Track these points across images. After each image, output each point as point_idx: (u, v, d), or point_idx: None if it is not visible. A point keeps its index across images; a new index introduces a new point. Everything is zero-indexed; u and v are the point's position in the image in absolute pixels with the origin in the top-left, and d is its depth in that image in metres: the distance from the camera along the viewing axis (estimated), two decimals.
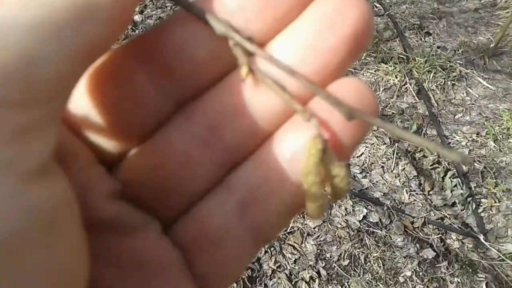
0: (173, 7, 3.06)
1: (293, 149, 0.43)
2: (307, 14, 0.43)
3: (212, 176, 0.46)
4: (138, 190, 0.45)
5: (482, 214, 2.21)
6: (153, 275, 0.43)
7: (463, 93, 2.69)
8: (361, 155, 2.37)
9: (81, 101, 0.43)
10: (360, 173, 2.31)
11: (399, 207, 2.21)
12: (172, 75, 0.44)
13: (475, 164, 2.37)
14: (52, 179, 0.31)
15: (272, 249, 2.01)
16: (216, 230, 0.45)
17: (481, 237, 2.11)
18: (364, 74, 2.71)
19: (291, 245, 2.03)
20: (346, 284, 1.99)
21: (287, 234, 2.07)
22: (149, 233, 0.44)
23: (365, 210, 2.17)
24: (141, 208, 0.45)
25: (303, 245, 2.04)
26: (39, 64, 0.30)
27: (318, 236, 2.07)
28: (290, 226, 2.08)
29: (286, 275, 1.97)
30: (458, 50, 2.90)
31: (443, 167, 2.34)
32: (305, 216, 2.11)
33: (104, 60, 0.43)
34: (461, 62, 2.82)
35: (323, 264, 2.00)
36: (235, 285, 1.91)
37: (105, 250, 0.42)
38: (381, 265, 2.03)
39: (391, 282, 2.01)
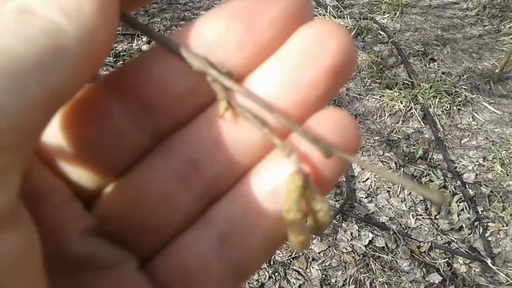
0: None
1: (273, 184, 0.43)
2: (287, 46, 0.43)
3: (190, 211, 0.45)
4: (114, 226, 0.45)
5: (490, 238, 2.19)
6: None
7: (469, 118, 2.70)
8: (366, 179, 2.37)
9: (57, 136, 0.43)
10: (366, 197, 2.31)
11: (405, 231, 2.20)
12: (149, 110, 0.43)
13: (482, 188, 2.36)
14: (9, 228, 0.30)
15: (276, 274, 2.00)
16: (194, 266, 0.44)
17: (489, 261, 2.09)
18: (369, 100, 2.74)
19: (295, 270, 2.02)
20: None
21: (291, 259, 2.07)
22: (126, 270, 0.44)
23: (371, 235, 2.16)
24: (117, 244, 0.45)
25: (307, 270, 2.03)
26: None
27: (323, 261, 2.07)
28: (295, 251, 2.07)
29: None
30: (463, 76, 2.92)
31: (450, 191, 2.34)
32: (310, 241, 2.11)
33: (80, 94, 0.43)
34: (467, 87, 2.84)
35: None
36: None
37: None
38: None
39: None
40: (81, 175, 0.44)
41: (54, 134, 0.43)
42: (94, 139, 0.43)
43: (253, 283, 1.97)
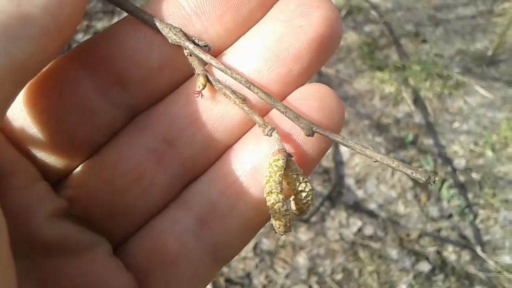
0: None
1: (254, 162, 0.43)
2: (269, 17, 0.42)
3: (166, 192, 0.44)
4: (85, 207, 0.43)
5: (480, 226, 2.17)
6: None
7: (460, 102, 2.65)
8: (355, 165, 2.33)
9: (23, 114, 0.41)
10: (355, 184, 2.27)
11: (394, 219, 2.16)
12: (122, 84, 0.42)
13: (473, 174, 2.33)
14: None
15: (262, 263, 1.96)
16: (171, 249, 0.43)
17: (478, 249, 2.06)
18: (360, 83, 2.68)
19: (282, 259, 1.98)
20: None
21: (278, 248, 2.02)
22: (98, 254, 0.42)
23: (359, 223, 2.13)
24: (89, 228, 0.43)
25: (295, 259, 1.99)
26: None
27: (311, 249, 2.03)
28: (282, 239, 2.03)
29: None
30: (455, 58, 2.87)
31: (440, 178, 2.30)
32: (296, 229, 2.07)
33: (47, 69, 0.40)
34: (459, 70, 2.78)
35: (316, 279, 1.95)
36: None
37: (49, 274, 0.40)
38: (376, 278, 1.98)
39: None
40: (48, 154, 0.42)
41: (19, 109, 0.41)
42: (62, 115, 0.41)
43: (239, 272, 1.93)
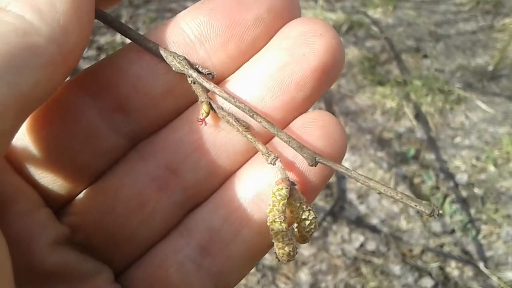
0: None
1: (256, 189, 0.43)
2: (273, 44, 0.42)
3: (169, 219, 0.44)
4: (87, 235, 0.43)
5: (482, 241, 2.15)
6: None
7: (461, 117, 2.65)
8: None
9: (26, 139, 0.41)
10: (357, 198, 2.26)
11: (396, 234, 2.15)
12: (125, 110, 0.42)
13: (475, 189, 2.32)
14: None
15: (264, 278, 1.95)
16: (173, 277, 0.43)
17: (481, 265, 2.05)
18: (361, 97, 2.68)
19: (284, 274, 1.97)
20: None
21: (280, 263, 2.01)
22: (99, 282, 0.42)
23: (362, 238, 2.12)
24: (91, 255, 0.43)
25: (297, 274, 1.98)
26: None
27: (313, 265, 2.01)
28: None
29: None
30: (456, 73, 2.87)
31: (442, 193, 2.29)
32: (299, 244, 2.06)
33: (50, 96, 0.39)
34: (460, 85, 2.79)
35: None
36: None
37: None
38: None
39: None
40: (51, 180, 0.42)
41: (21, 135, 0.41)
42: (65, 142, 0.41)
43: (241, 287, 1.91)
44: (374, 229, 2.16)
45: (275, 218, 0.40)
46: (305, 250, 2.05)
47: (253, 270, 1.95)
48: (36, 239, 0.39)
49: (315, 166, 0.41)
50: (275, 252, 0.42)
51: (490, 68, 2.87)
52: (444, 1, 3.40)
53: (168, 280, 0.43)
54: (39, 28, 0.31)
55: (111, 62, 0.42)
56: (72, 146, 0.41)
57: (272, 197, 0.40)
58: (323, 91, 0.43)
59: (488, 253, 2.12)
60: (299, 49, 0.41)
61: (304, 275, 1.98)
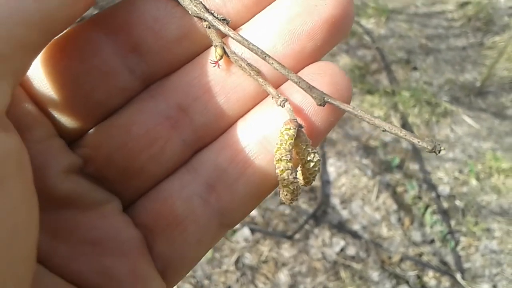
0: None
1: (264, 131, 0.44)
2: None
3: (177, 157, 0.46)
4: (99, 167, 0.44)
5: (461, 253, 2.18)
6: (109, 253, 0.42)
7: (447, 130, 2.68)
8: (342, 186, 2.34)
9: (41, 73, 0.42)
10: (340, 204, 2.28)
11: (377, 241, 2.17)
12: (141, 51, 0.43)
13: (456, 201, 2.35)
14: (3, 134, 0.29)
15: (244, 277, 1.95)
16: (179, 211, 0.45)
17: (459, 276, 2.07)
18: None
19: (264, 274, 1.98)
20: None
21: (260, 263, 2.02)
22: (109, 210, 0.44)
23: (342, 243, 2.13)
24: (101, 185, 0.45)
25: (276, 275, 1.98)
26: None
27: (293, 266, 2.02)
28: (264, 255, 2.03)
29: None
30: (444, 87, 2.91)
31: (424, 203, 2.32)
32: (280, 245, 2.07)
33: (69, 31, 0.41)
34: (447, 99, 2.83)
35: None
36: None
37: (60, 225, 0.41)
38: None
39: None
40: (64, 113, 0.43)
41: (39, 68, 0.42)
42: (80, 77, 0.43)
43: (219, 285, 1.91)
44: (355, 235, 2.17)
45: (282, 156, 0.42)
46: (286, 251, 2.06)
47: (232, 268, 1.96)
48: (49, 166, 0.40)
49: (324, 105, 0.42)
50: (279, 192, 0.44)
51: (478, 84, 2.91)
52: (436, 15, 3.44)
53: (175, 213, 0.44)
54: None
55: (128, 4, 0.43)
56: (87, 82, 0.42)
57: (280, 136, 0.42)
58: (333, 44, 0.44)
59: (466, 265, 2.14)
60: (312, 1, 0.42)
61: (283, 276, 1.99)
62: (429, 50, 3.16)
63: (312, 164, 0.44)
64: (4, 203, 0.29)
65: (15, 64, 0.31)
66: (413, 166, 2.48)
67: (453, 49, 3.19)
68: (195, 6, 0.42)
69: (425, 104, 2.76)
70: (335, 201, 2.29)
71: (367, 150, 2.51)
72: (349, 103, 0.44)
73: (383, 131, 0.42)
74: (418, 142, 0.42)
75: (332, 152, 2.42)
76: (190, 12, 0.42)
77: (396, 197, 2.34)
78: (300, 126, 0.42)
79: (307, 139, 0.43)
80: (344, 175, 2.38)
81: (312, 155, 0.44)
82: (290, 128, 0.41)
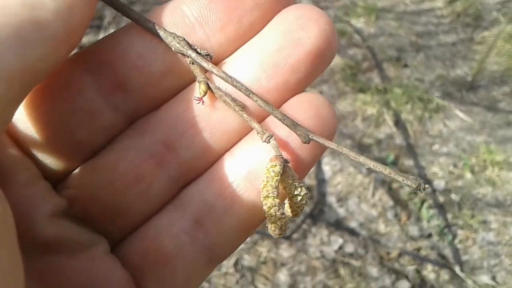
0: None
1: (250, 166, 0.44)
2: (269, 29, 0.44)
3: (164, 193, 0.45)
4: (84, 207, 0.44)
5: (458, 246, 2.19)
6: None
7: (440, 125, 2.70)
8: (337, 184, 2.35)
9: (24, 115, 0.42)
10: (337, 202, 2.28)
11: (375, 237, 2.18)
12: (125, 88, 0.43)
13: (452, 195, 2.36)
14: None
15: (243, 279, 1.96)
16: (167, 249, 0.44)
17: (457, 269, 2.08)
18: (342, 104, 2.72)
19: (263, 275, 1.98)
20: None
21: (259, 264, 2.02)
22: (96, 252, 0.43)
23: (340, 240, 2.14)
24: (88, 227, 0.44)
25: (276, 275, 1.99)
26: None
27: (292, 266, 2.03)
28: (263, 256, 2.03)
29: None
30: (435, 83, 2.93)
31: (420, 198, 2.33)
32: (278, 246, 2.07)
33: (51, 72, 0.40)
34: (439, 95, 2.84)
35: None
36: None
37: (48, 271, 0.40)
38: None
39: None
40: (48, 154, 0.43)
41: (21, 111, 0.41)
42: (64, 118, 0.42)
43: (219, 287, 1.92)
44: (352, 232, 2.18)
45: (269, 193, 0.42)
46: (285, 251, 2.06)
47: (232, 270, 1.96)
48: (35, 210, 0.39)
49: (308, 143, 0.43)
50: (267, 226, 0.44)
51: (469, 78, 2.93)
52: (425, 13, 3.46)
53: (163, 251, 0.44)
54: (45, 3, 0.32)
55: (111, 41, 0.43)
56: (71, 123, 0.42)
57: (266, 173, 0.42)
58: (316, 75, 0.44)
59: (464, 257, 2.15)
60: (295, 34, 0.42)
61: (283, 276, 1.99)
62: (420, 47, 3.18)
63: (299, 198, 0.44)
64: None
65: None
66: (408, 162, 2.50)
67: (443, 45, 3.21)
68: (178, 43, 0.42)
69: (418, 100, 2.77)
70: (332, 199, 2.29)
71: (362, 148, 2.52)
72: (335, 133, 0.45)
73: (367, 169, 0.43)
74: (403, 180, 0.42)
75: (327, 151, 2.43)
76: (173, 49, 0.42)
77: (392, 193, 2.35)
78: (286, 161, 0.43)
79: (294, 174, 0.44)
80: (340, 174, 2.39)
81: (299, 189, 0.44)
82: (275, 165, 0.42)
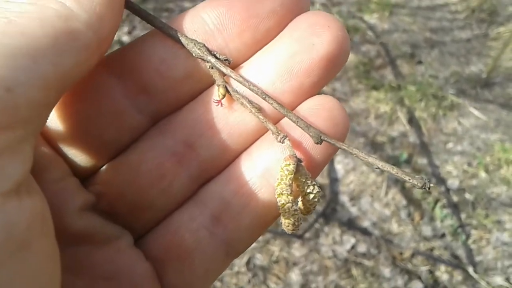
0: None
1: (265, 165, 0.47)
2: (284, 35, 0.46)
3: (185, 190, 0.48)
4: (110, 202, 0.47)
5: (472, 246, 2.17)
6: (123, 286, 0.45)
7: (454, 123, 2.67)
8: (350, 183, 2.34)
9: (56, 114, 0.45)
10: (349, 201, 2.27)
11: (387, 237, 2.17)
12: (148, 91, 0.46)
13: (466, 194, 2.34)
14: (27, 196, 0.31)
15: (255, 278, 1.96)
16: (187, 243, 0.47)
17: (471, 269, 2.07)
18: (355, 101, 2.70)
19: (275, 274, 1.98)
20: None
21: (271, 263, 2.02)
22: (122, 245, 0.46)
23: (353, 240, 2.13)
24: (113, 221, 0.47)
25: (288, 274, 1.99)
26: (15, 91, 0.30)
27: (304, 265, 2.02)
28: (275, 255, 2.03)
29: None
30: (450, 80, 2.90)
31: (433, 197, 2.31)
32: (290, 245, 2.07)
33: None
34: (453, 92, 2.81)
35: None
36: None
37: (77, 262, 0.44)
38: None
39: None
40: (78, 153, 0.46)
41: (53, 112, 0.43)
42: (92, 119, 0.45)
43: (231, 286, 1.92)
44: (365, 232, 2.17)
45: (283, 191, 0.44)
46: (297, 251, 2.06)
47: (244, 269, 1.96)
48: (66, 204, 0.43)
49: (320, 144, 0.45)
50: (281, 223, 0.46)
51: (484, 75, 2.90)
52: (439, 8, 3.42)
53: (183, 245, 0.47)
54: (78, 14, 0.34)
55: (136, 47, 0.46)
56: (99, 123, 0.45)
57: (280, 171, 0.44)
58: (329, 79, 0.46)
59: (478, 258, 2.13)
60: (309, 40, 0.44)
61: (295, 276, 1.99)
62: (434, 43, 3.14)
63: (312, 195, 0.46)
64: (32, 265, 0.30)
65: (34, 125, 0.33)
66: (421, 161, 2.48)
67: (457, 41, 3.18)
68: (198, 49, 0.44)
69: (432, 97, 2.74)
70: (344, 198, 2.28)
71: (375, 146, 2.50)
72: (346, 134, 0.47)
73: (376, 168, 0.45)
74: (409, 179, 0.44)
75: (339, 150, 2.42)
76: (194, 55, 0.44)
77: (405, 192, 2.33)
78: (299, 160, 0.45)
79: (307, 172, 0.46)
80: (352, 172, 2.37)
81: (311, 187, 0.46)
82: (289, 164, 0.44)
